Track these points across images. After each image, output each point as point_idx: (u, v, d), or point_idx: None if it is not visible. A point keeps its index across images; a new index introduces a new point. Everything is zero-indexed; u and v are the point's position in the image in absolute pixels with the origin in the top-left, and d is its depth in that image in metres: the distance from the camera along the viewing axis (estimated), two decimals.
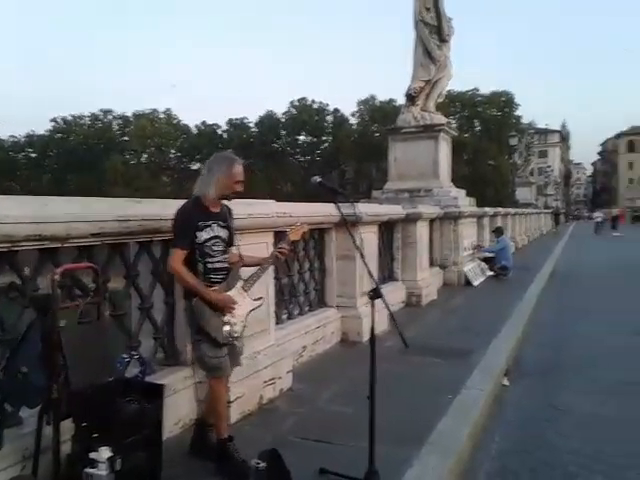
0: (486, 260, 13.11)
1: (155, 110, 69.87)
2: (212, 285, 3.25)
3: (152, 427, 2.87)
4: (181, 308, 3.71)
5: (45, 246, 2.92)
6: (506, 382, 5.38)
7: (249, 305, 3.42)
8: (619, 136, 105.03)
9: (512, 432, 4.21)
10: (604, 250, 23.09)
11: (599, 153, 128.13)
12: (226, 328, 3.24)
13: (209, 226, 3.25)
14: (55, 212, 2.91)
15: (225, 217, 3.37)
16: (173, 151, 70.80)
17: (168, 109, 70.62)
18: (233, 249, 3.45)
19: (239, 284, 3.37)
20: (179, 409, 3.73)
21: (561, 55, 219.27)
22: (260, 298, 3.59)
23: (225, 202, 3.41)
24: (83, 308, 2.84)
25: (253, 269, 3.47)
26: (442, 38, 12.22)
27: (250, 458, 3.08)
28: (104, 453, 2.55)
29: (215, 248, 3.27)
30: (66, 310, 2.75)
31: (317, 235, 6.31)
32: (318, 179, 3.31)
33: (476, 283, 11.70)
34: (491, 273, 12.85)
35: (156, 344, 3.83)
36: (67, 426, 2.69)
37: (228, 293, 3.28)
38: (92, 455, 2.55)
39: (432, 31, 12.11)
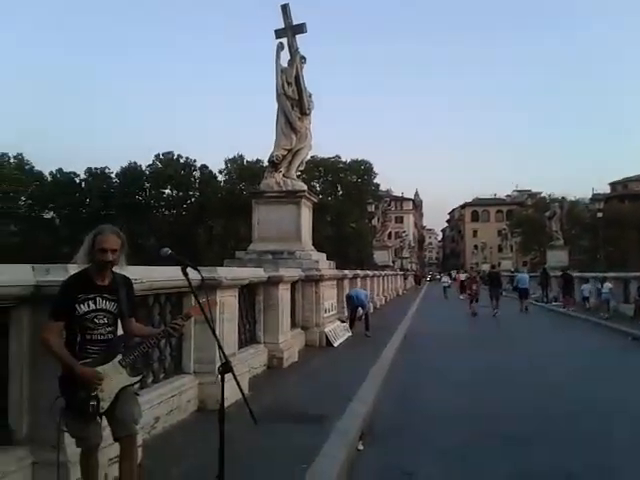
0: None
1: (4, 154, 63.93)
2: (88, 357, 3.13)
3: None
4: (17, 380, 3.41)
5: None
6: (360, 446, 5.48)
7: (124, 380, 3.28)
8: (464, 206, 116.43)
9: None
10: (451, 314, 24.77)
11: (447, 221, 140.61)
12: (92, 403, 3.10)
13: (91, 299, 3.16)
14: None
15: (113, 289, 3.28)
16: (23, 198, 65.14)
17: (19, 154, 65.19)
18: (132, 319, 3.47)
19: (117, 358, 3.26)
20: None
21: (417, 131, 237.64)
22: (140, 374, 3.57)
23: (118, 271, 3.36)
24: None
25: None
26: (303, 111, 12.91)
27: None
28: None
29: (97, 321, 3.18)
30: None
31: (175, 299, 6.11)
32: (168, 251, 3.41)
33: (337, 344, 12.02)
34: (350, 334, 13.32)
35: None
36: None
37: (103, 367, 3.16)
38: None
39: (294, 104, 12.74)
